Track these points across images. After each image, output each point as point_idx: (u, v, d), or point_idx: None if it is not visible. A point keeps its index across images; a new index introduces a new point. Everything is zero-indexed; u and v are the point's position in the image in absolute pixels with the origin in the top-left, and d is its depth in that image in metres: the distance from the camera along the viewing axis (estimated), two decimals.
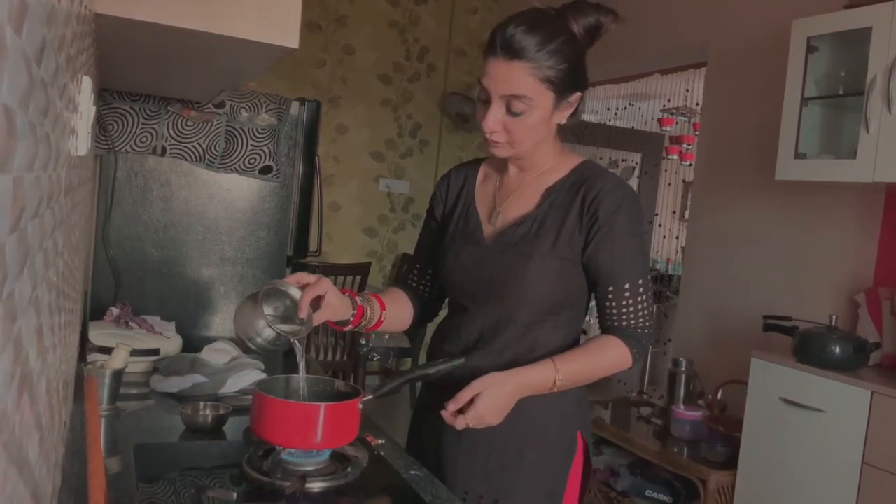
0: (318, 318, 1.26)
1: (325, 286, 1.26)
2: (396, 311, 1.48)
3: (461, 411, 1.25)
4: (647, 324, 1.35)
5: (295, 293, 1.27)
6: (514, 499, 1.35)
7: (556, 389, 1.29)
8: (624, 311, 1.34)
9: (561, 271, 1.34)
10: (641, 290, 1.33)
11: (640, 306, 1.34)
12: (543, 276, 1.33)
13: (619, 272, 1.32)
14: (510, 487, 1.36)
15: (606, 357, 1.33)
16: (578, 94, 1.31)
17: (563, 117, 1.33)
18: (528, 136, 1.30)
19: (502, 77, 1.24)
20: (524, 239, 1.35)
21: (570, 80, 1.28)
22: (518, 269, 1.33)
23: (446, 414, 1.25)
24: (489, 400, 1.23)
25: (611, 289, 1.33)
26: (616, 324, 1.35)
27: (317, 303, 1.26)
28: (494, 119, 1.27)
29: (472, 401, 1.24)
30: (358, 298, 1.36)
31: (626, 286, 1.32)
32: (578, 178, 1.36)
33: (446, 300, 1.53)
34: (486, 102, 1.28)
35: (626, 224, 1.31)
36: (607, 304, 1.35)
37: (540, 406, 1.34)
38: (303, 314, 1.24)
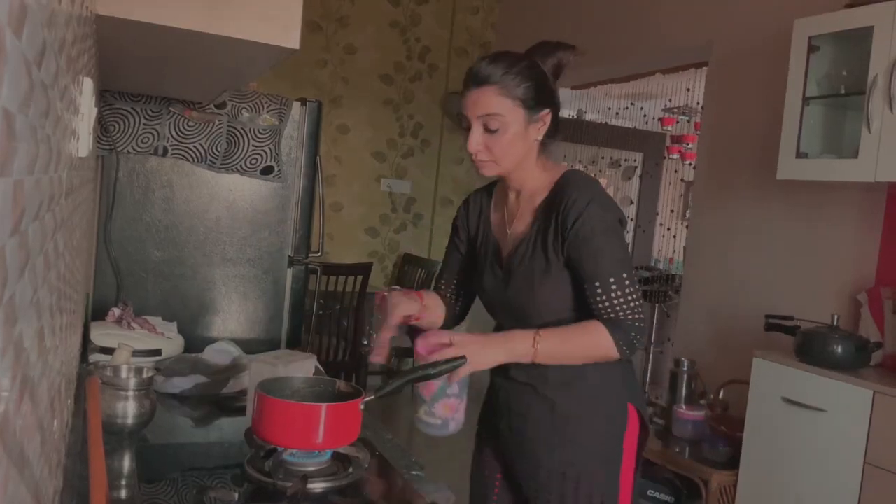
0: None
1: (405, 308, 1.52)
2: (432, 304, 1.65)
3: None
4: (636, 316, 1.41)
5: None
6: (576, 468, 1.49)
7: (536, 357, 1.40)
8: (615, 302, 1.40)
9: (562, 281, 1.45)
10: (627, 282, 1.41)
11: (628, 297, 1.40)
12: (551, 292, 1.46)
13: (601, 269, 1.40)
14: (573, 458, 1.50)
15: (589, 338, 1.41)
16: (547, 111, 1.44)
17: (538, 133, 1.45)
18: (507, 151, 1.43)
19: (476, 102, 1.42)
20: (524, 261, 1.48)
21: (537, 97, 1.42)
22: (528, 291, 1.47)
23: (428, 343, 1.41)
24: (470, 337, 1.39)
25: (597, 283, 1.40)
26: (605, 315, 1.41)
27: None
28: (476, 139, 1.42)
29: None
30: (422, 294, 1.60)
31: (612, 280, 1.40)
32: (556, 194, 1.46)
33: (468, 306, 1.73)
34: (468, 129, 1.44)
35: (593, 226, 1.40)
36: (597, 298, 1.41)
37: (591, 389, 1.50)
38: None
